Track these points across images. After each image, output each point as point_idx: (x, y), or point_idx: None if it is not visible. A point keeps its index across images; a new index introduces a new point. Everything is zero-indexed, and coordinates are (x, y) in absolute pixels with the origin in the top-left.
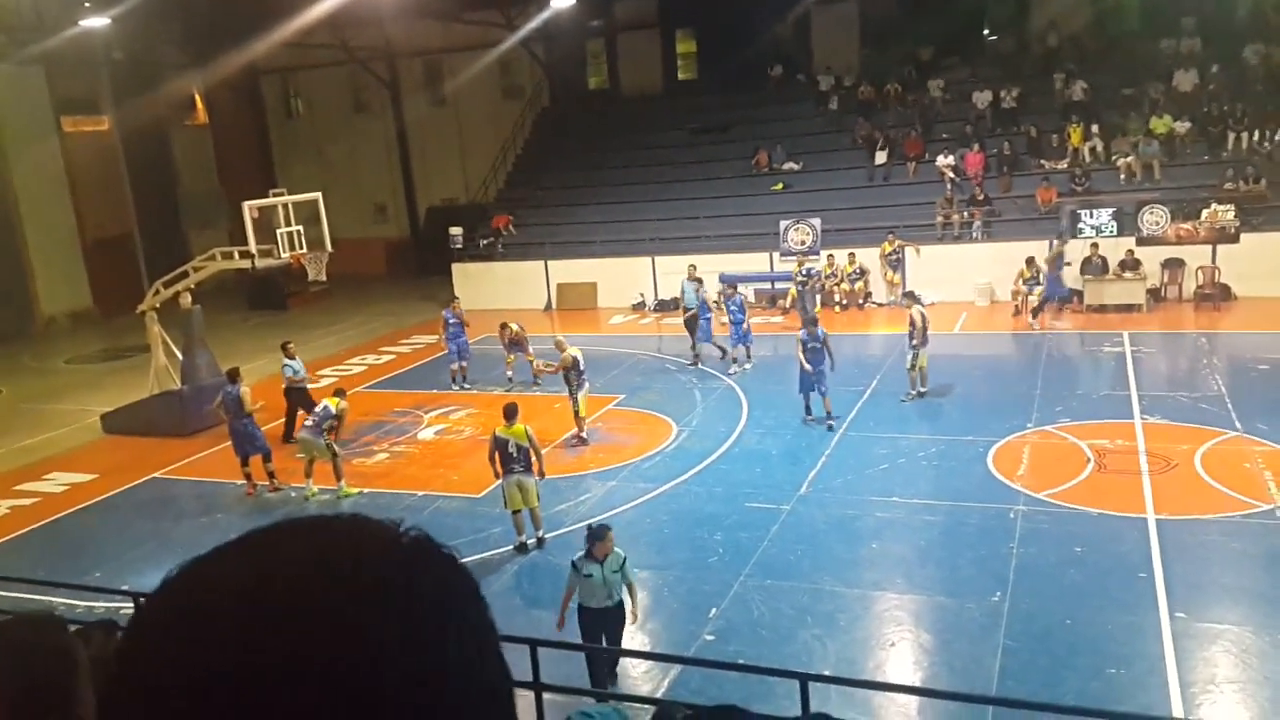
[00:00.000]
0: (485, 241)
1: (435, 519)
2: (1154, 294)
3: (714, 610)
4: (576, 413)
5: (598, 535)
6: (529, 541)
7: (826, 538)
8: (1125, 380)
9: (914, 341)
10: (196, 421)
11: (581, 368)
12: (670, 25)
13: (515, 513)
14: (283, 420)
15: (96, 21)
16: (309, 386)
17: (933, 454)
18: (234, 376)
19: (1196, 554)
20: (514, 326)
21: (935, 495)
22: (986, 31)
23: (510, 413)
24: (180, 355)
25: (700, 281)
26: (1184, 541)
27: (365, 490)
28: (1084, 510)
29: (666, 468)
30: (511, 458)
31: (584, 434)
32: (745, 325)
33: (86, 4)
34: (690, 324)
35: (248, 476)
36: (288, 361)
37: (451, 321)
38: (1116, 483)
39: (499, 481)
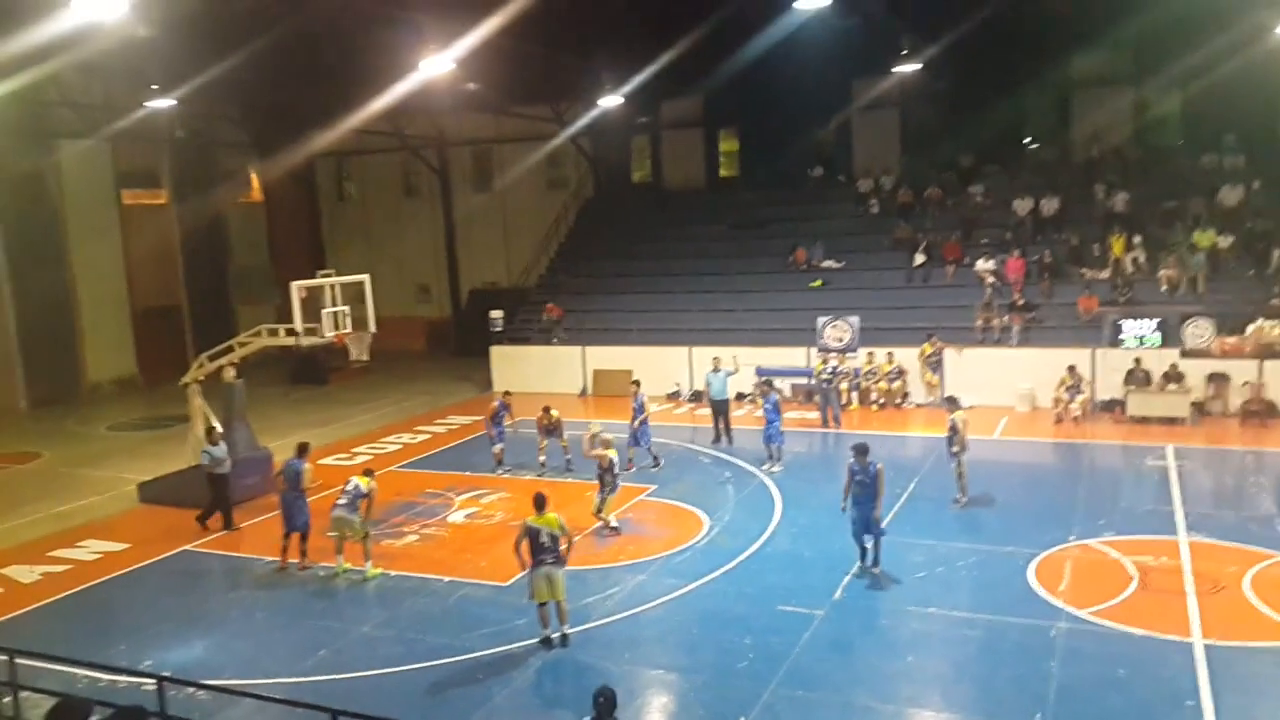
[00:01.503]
0: (542, 328)
1: (460, 606)
2: (1199, 408)
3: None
4: (599, 510)
5: (614, 702)
6: (553, 636)
7: (861, 647)
8: (1169, 495)
9: (954, 449)
10: (231, 495)
11: (616, 470)
12: (714, 125)
13: (541, 605)
14: (325, 494)
15: (162, 103)
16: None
17: (972, 564)
18: (302, 451)
19: (1248, 684)
20: (554, 413)
21: (974, 608)
22: (1028, 140)
23: (540, 502)
24: (219, 428)
25: (635, 387)
26: (1234, 669)
27: (393, 573)
28: (1127, 630)
29: (696, 564)
30: (544, 548)
31: (614, 524)
32: (778, 425)
33: (154, 86)
34: (716, 412)
35: (284, 550)
36: (208, 448)
37: (504, 411)
38: (1161, 603)
39: (526, 572)
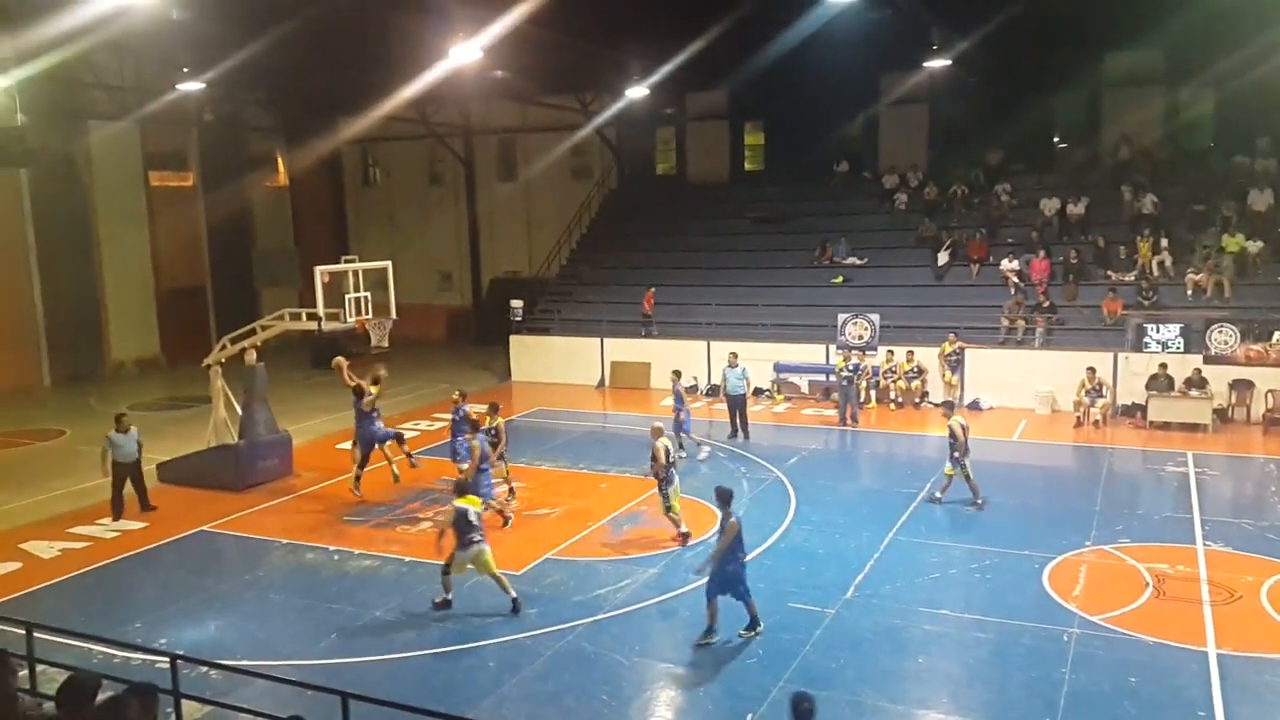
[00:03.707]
0: (646, 330)
1: (474, 594)
2: (1221, 414)
3: (750, 716)
4: (668, 508)
5: (814, 710)
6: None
7: (871, 647)
8: (1188, 503)
9: (956, 454)
10: (250, 477)
11: (672, 459)
12: (740, 118)
13: (446, 574)
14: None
15: (191, 86)
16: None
17: (986, 566)
18: (464, 411)
19: (1262, 696)
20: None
21: (987, 611)
22: (1057, 139)
23: (461, 488)
24: (240, 410)
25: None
26: (1248, 680)
27: (407, 559)
28: (1140, 638)
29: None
30: (471, 525)
31: (683, 529)
32: (680, 415)
33: (184, 69)
34: (733, 407)
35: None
36: (110, 435)
37: (457, 418)
38: (1176, 611)
39: (458, 553)
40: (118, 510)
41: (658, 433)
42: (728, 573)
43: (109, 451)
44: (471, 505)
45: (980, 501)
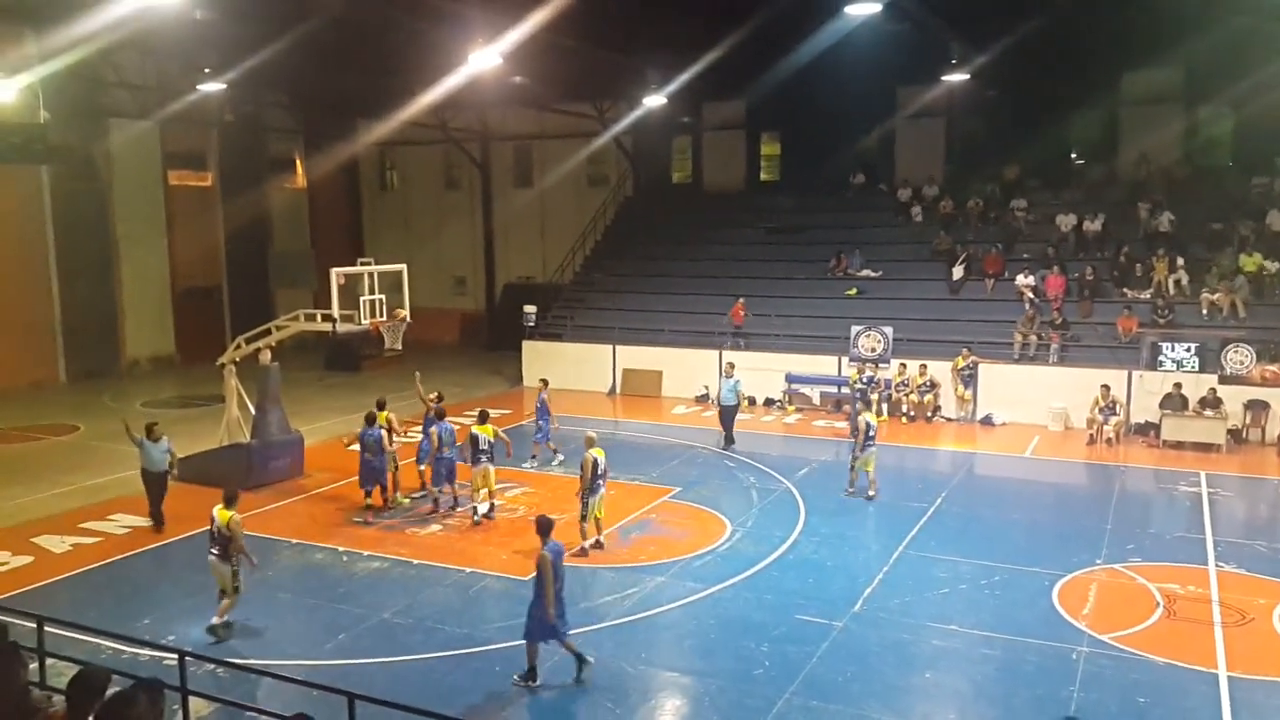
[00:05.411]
0: (735, 341)
1: (479, 598)
2: (1235, 435)
3: None
4: (583, 517)
5: None
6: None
7: (879, 661)
8: (1200, 523)
9: (856, 448)
10: (261, 476)
11: (600, 470)
12: (756, 128)
13: (225, 595)
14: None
15: (213, 86)
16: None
17: (995, 582)
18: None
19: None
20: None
21: (995, 627)
22: (1074, 156)
23: (229, 499)
24: (253, 410)
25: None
26: (1259, 704)
27: (415, 561)
28: (1150, 658)
29: (717, 568)
30: (213, 537)
31: (601, 539)
32: (541, 423)
33: (206, 70)
34: (725, 418)
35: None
36: (146, 443)
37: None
38: (1187, 632)
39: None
40: (158, 519)
41: (590, 442)
42: (533, 614)
43: (137, 447)
44: (221, 517)
45: (852, 490)
